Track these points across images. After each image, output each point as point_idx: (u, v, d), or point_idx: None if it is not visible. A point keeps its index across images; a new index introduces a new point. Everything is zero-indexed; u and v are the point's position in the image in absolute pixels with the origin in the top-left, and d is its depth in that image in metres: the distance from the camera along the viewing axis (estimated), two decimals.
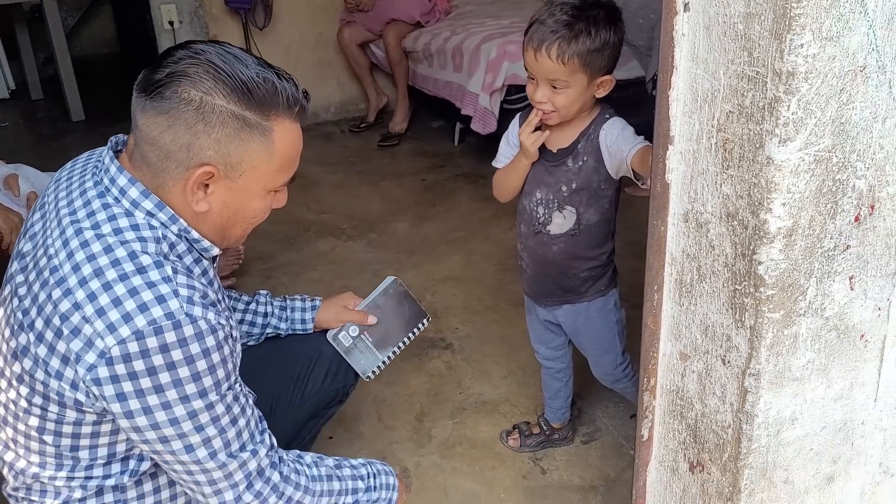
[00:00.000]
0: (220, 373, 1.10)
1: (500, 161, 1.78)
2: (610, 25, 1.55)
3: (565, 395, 2.01)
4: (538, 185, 1.71)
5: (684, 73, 1.19)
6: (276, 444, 1.22)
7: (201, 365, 1.08)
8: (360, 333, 1.62)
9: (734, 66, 1.09)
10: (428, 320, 1.74)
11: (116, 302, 1.05)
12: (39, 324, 1.09)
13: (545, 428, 2.03)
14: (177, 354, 1.05)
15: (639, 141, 1.57)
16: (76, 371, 1.06)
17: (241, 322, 1.59)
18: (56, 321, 1.07)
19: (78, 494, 1.19)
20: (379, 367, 1.65)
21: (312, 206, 3.53)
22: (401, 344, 1.68)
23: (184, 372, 1.06)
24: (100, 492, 1.19)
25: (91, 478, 1.18)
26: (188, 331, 1.06)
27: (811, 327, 1.18)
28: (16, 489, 1.22)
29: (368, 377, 1.65)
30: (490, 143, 4.00)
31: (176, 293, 1.07)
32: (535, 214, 1.74)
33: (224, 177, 1.13)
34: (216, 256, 1.25)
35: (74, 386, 1.08)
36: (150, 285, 1.06)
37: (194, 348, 1.06)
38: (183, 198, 1.14)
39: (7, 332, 1.14)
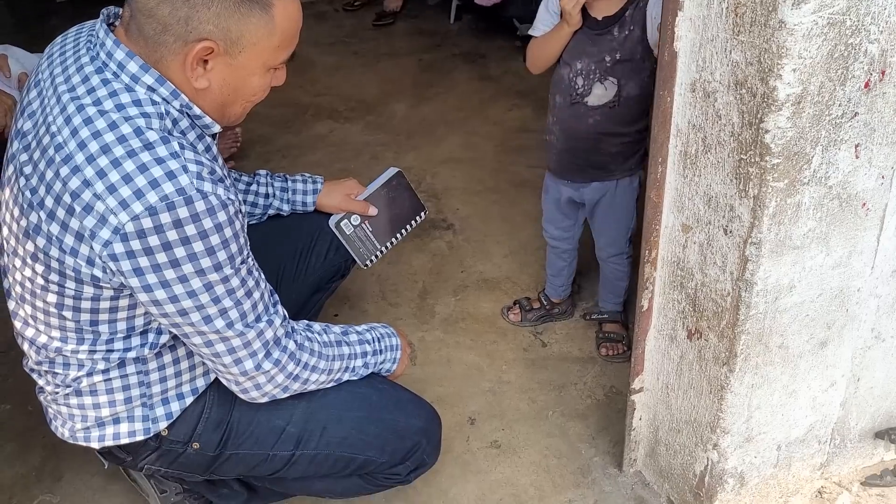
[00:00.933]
0: (234, 247, 1.12)
1: (538, 29, 1.73)
2: None
3: (568, 273, 2.04)
4: (579, 54, 1.67)
5: None
6: (287, 315, 1.26)
7: (215, 239, 1.09)
8: (361, 223, 1.64)
9: None
10: (425, 213, 1.75)
11: (127, 178, 1.04)
12: (49, 202, 1.09)
13: (545, 303, 2.08)
14: (190, 229, 1.06)
15: None
16: (91, 247, 1.07)
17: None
18: (66, 198, 1.07)
19: (101, 366, 1.23)
20: (377, 255, 1.67)
21: (309, 88, 3.47)
22: (398, 235, 1.70)
23: (198, 246, 1.08)
24: (122, 364, 1.23)
25: (112, 350, 1.22)
26: (200, 206, 1.06)
27: (814, 196, 1.19)
28: (39, 363, 1.26)
29: (366, 265, 1.67)
30: (489, 22, 3.88)
31: (185, 169, 1.07)
32: (573, 85, 1.70)
33: (224, 52, 1.11)
34: (216, 134, 1.24)
35: (90, 262, 1.09)
36: (159, 161, 1.06)
37: (207, 223, 1.07)
38: (182, 74, 1.11)
39: (17, 212, 1.14)
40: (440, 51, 3.82)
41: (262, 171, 1.63)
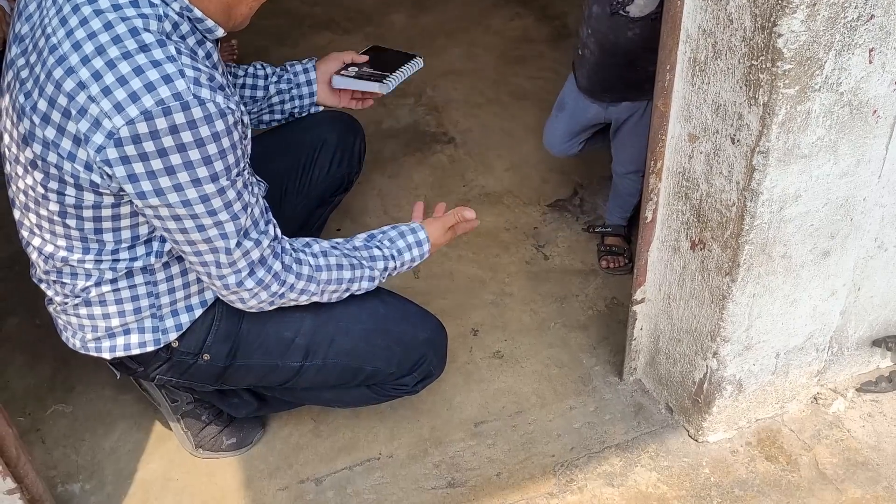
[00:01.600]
0: (231, 158, 1.10)
1: None
2: None
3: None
4: None
5: None
6: (279, 234, 1.25)
7: (212, 149, 1.07)
8: (361, 67, 1.59)
9: None
10: (419, 58, 1.63)
11: (122, 81, 1.02)
12: (43, 105, 1.07)
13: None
14: (186, 136, 1.05)
15: None
16: (88, 152, 1.06)
17: (241, 87, 1.56)
18: (62, 101, 1.05)
19: (109, 276, 1.23)
20: (392, 79, 1.56)
21: None
22: (400, 70, 1.58)
23: (194, 154, 1.06)
24: (129, 274, 1.24)
25: (119, 260, 1.22)
26: (196, 112, 1.04)
27: (824, 103, 1.17)
28: (47, 273, 1.26)
29: (389, 87, 1.54)
30: None
31: (182, 73, 1.04)
32: None
33: None
34: (218, 41, 1.21)
35: (88, 167, 1.08)
36: (156, 64, 1.03)
37: (204, 131, 1.06)
38: None
39: (15, 118, 1.13)
40: None
41: (258, 63, 1.59)
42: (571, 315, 1.90)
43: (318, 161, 1.63)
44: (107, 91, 1.02)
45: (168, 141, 1.04)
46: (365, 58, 1.59)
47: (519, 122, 2.56)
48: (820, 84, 1.14)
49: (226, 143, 1.09)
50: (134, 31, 1.04)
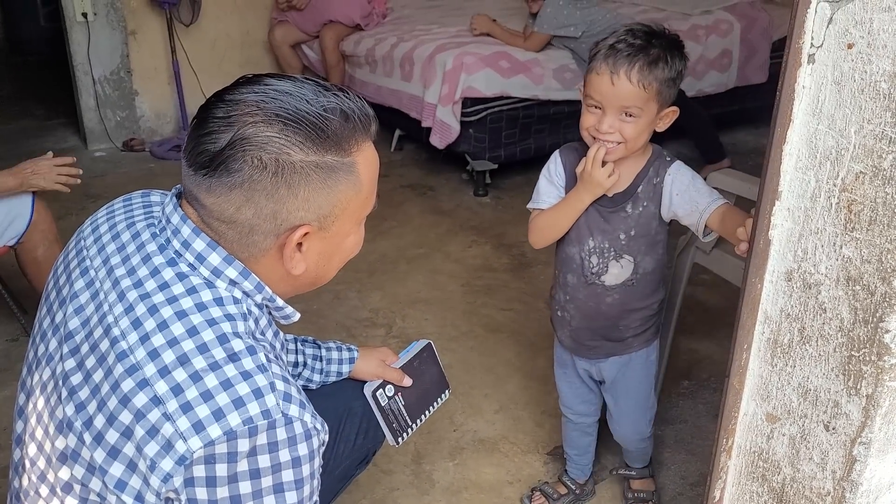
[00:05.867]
0: (306, 490, 0.94)
1: (543, 202, 1.60)
2: (680, 55, 1.47)
3: (593, 448, 1.90)
4: (591, 231, 1.57)
5: (800, 128, 1.12)
6: None
7: (287, 475, 0.91)
8: (395, 394, 1.50)
9: (870, 126, 1.03)
10: (448, 391, 1.65)
11: (206, 396, 0.87)
12: (99, 421, 0.89)
13: (573, 486, 1.90)
14: (264, 460, 0.89)
15: (715, 197, 1.49)
16: (146, 481, 0.87)
17: None
18: (124, 418, 0.88)
19: None
20: (409, 431, 1.54)
21: None
22: (427, 412, 1.58)
23: (266, 482, 0.90)
24: None
25: None
26: (281, 434, 0.89)
27: None
28: None
29: (398, 443, 1.52)
30: (433, 153, 3.88)
31: (272, 386, 0.90)
32: (587, 264, 1.60)
33: (318, 229, 0.98)
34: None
35: (139, 499, 0.89)
36: (246, 376, 0.89)
37: (284, 455, 0.90)
38: (274, 264, 0.97)
39: (52, 429, 0.93)
40: (388, 181, 3.76)
41: (289, 336, 1.46)
42: None
43: (343, 433, 1.45)
44: (187, 407, 0.86)
45: (243, 465, 0.88)
46: (408, 383, 1.52)
47: (499, 358, 2.48)
48: None
49: (305, 470, 0.92)
50: (223, 338, 0.91)
